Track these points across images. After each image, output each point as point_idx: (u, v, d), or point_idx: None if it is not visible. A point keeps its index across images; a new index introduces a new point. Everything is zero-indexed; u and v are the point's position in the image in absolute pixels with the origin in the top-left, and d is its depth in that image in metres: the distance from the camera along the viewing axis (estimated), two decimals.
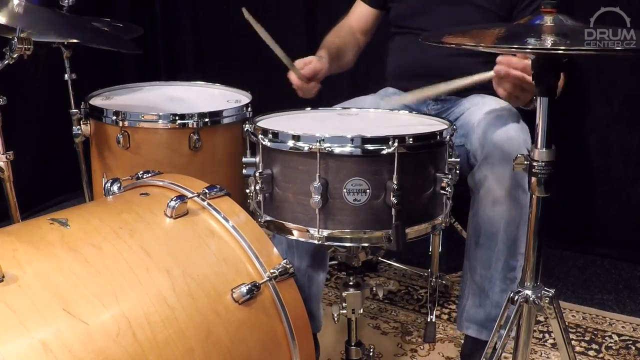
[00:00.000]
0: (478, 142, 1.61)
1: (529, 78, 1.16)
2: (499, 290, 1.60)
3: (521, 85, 1.41)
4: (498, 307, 1.56)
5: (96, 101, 1.78)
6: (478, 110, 1.72)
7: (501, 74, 1.42)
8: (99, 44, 1.71)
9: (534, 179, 1.15)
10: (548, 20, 1.12)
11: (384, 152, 1.21)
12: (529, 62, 1.19)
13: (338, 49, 1.90)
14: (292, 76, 1.70)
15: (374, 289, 1.50)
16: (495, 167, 1.56)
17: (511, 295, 1.24)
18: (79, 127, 1.78)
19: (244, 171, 1.38)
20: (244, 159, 1.39)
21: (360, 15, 2.04)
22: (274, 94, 2.87)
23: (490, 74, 1.47)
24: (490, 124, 1.62)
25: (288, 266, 1.16)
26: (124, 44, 1.71)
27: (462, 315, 1.68)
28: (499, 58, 1.42)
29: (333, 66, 1.83)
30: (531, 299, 1.22)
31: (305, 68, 1.70)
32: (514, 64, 1.39)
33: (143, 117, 1.62)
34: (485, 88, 1.81)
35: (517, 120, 1.66)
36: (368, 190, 1.22)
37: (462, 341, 1.75)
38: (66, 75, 1.86)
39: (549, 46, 1.02)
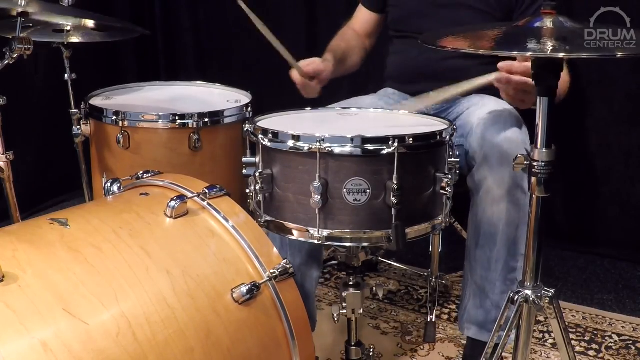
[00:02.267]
0: (477, 143, 1.61)
1: (531, 81, 1.16)
2: (499, 292, 1.60)
3: (524, 89, 1.41)
4: (498, 308, 1.56)
5: (96, 101, 1.78)
6: (477, 110, 1.72)
7: (502, 81, 1.42)
8: (113, 23, 1.75)
9: (533, 179, 1.15)
10: (548, 23, 1.12)
11: (384, 152, 1.21)
12: (529, 64, 1.20)
13: (344, 52, 1.91)
14: (294, 74, 1.70)
15: (374, 289, 1.50)
16: (495, 169, 1.56)
17: (511, 295, 1.24)
18: (79, 127, 1.78)
19: (244, 171, 1.38)
20: (244, 159, 1.39)
21: (362, 19, 2.06)
22: (274, 94, 2.87)
23: (493, 76, 1.46)
24: (489, 125, 1.62)
25: (288, 266, 1.16)
26: (134, 29, 1.75)
27: (463, 316, 1.69)
28: (500, 64, 1.42)
29: (338, 69, 1.83)
30: (531, 299, 1.22)
31: (307, 67, 1.70)
32: (515, 68, 1.39)
33: (143, 117, 1.62)
34: (486, 89, 1.81)
35: (518, 122, 1.66)
36: (368, 190, 1.22)
37: (462, 341, 1.75)
38: (66, 75, 1.86)
39: (549, 51, 1.02)
